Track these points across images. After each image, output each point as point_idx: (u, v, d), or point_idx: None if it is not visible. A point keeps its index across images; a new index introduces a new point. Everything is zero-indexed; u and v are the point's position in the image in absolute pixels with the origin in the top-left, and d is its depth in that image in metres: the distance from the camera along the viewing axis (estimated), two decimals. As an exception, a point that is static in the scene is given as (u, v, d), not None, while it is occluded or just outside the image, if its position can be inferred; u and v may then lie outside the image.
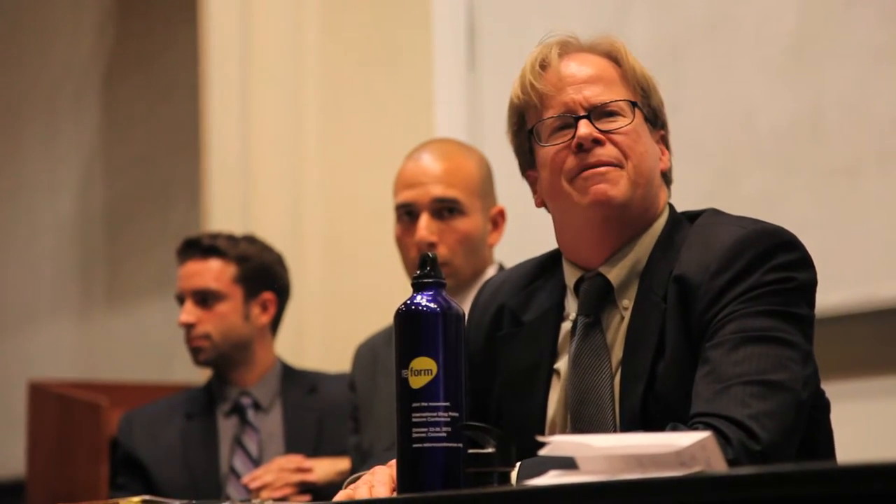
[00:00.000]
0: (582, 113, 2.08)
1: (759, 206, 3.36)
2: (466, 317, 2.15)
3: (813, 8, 3.35)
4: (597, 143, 2.07)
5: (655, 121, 2.14)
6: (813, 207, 3.30)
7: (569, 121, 2.08)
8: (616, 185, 2.06)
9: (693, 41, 3.57)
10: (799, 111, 3.35)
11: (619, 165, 2.07)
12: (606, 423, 2.01)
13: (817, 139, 3.31)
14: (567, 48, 2.13)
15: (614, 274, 2.07)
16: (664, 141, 2.16)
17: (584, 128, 2.07)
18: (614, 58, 2.12)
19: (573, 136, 2.07)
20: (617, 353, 2.04)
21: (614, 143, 2.07)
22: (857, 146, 3.25)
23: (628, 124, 2.08)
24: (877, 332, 3.24)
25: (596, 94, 2.09)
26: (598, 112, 2.08)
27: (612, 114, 2.09)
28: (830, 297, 3.19)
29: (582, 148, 2.06)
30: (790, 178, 3.35)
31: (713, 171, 3.49)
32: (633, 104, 2.09)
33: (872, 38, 3.23)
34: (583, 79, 2.10)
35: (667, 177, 2.16)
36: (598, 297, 2.07)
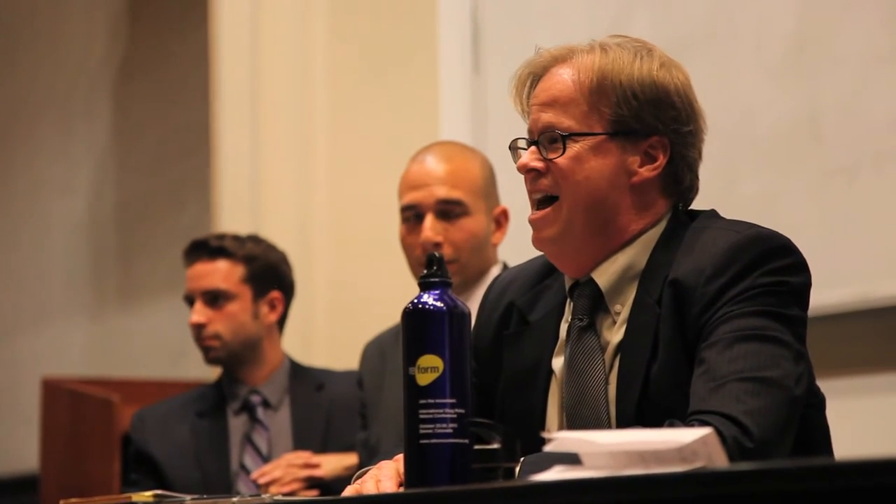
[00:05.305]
0: (535, 138, 2.10)
1: (758, 206, 3.38)
2: (475, 313, 2.16)
3: (812, 11, 3.36)
4: (534, 171, 2.08)
5: (638, 130, 2.08)
6: (811, 207, 3.31)
7: (529, 144, 2.11)
8: (546, 229, 2.08)
9: (693, 43, 3.58)
10: (797, 113, 3.36)
11: (555, 196, 2.08)
12: (601, 425, 2.02)
13: (816, 140, 3.33)
14: (536, 71, 2.12)
15: (604, 280, 2.08)
16: (662, 145, 2.10)
17: (524, 156, 2.10)
18: (575, 76, 2.08)
19: None
20: (611, 356, 2.05)
21: (553, 172, 2.08)
22: (854, 147, 3.26)
23: (560, 154, 2.07)
24: (874, 330, 3.25)
25: (545, 121, 2.08)
26: (544, 139, 2.09)
27: (554, 140, 2.08)
28: (829, 295, 3.21)
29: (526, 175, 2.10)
30: (789, 178, 3.37)
31: (712, 172, 3.46)
32: (566, 136, 2.06)
33: (870, 40, 3.24)
34: (541, 102, 2.10)
35: (672, 180, 2.11)
36: (591, 301, 2.08)
